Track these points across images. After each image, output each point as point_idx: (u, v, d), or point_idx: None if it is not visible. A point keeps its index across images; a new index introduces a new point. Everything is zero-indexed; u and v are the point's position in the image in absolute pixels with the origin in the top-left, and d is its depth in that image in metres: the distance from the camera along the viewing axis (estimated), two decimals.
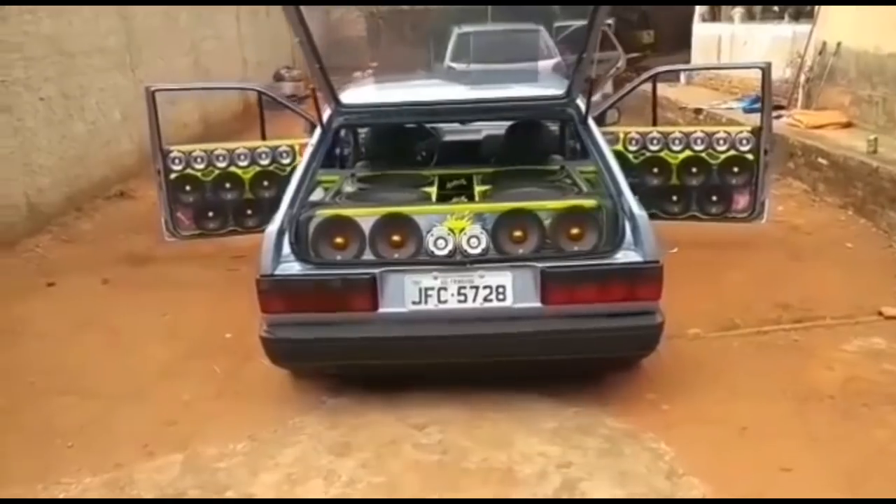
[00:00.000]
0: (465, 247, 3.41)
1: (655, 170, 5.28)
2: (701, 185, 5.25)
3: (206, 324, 4.71)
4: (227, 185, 5.44)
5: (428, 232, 3.44)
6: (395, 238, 3.47)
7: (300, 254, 3.44)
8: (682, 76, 13.07)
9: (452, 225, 3.44)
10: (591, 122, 4.01)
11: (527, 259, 3.40)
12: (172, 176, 5.41)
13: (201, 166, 5.42)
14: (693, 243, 5.65)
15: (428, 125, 4.91)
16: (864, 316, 4.46)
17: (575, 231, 3.46)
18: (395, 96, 4.35)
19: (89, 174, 7.84)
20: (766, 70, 5.06)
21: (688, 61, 12.94)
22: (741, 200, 5.26)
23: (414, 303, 3.41)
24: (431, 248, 3.42)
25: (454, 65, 11.20)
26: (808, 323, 4.42)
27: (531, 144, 4.81)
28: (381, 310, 3.42)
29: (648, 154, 5.27)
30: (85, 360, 4.35)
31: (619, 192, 3.55)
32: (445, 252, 3.41)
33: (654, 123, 5.47)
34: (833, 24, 8.72)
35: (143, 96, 5.29)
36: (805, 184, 7.45)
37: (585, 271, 3.36)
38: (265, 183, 5.36)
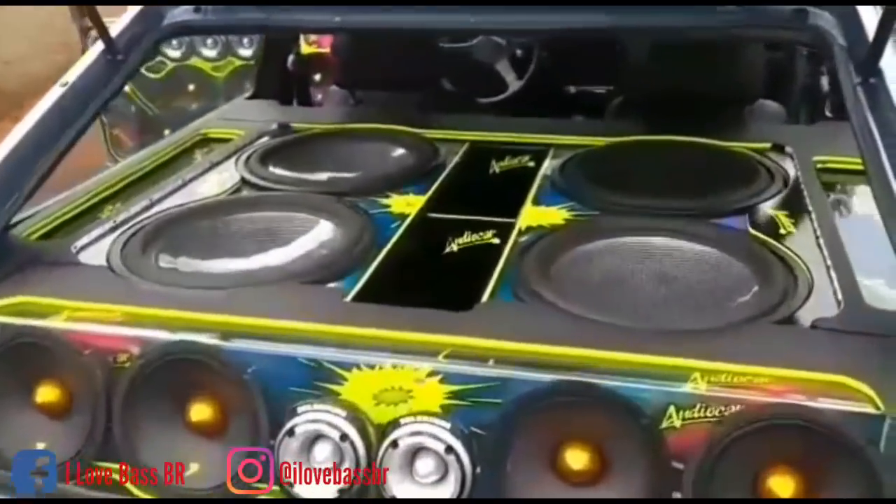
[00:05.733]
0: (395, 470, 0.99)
1: None
2: None
3: None
4: None
5: (291, 408, 1.01)
6: (194, 416, 1.05)
7: None
8: None
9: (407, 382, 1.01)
10: (889, 63, 1.24)
11: None
12: None
13: None
14: None
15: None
16: None
17: (781, 479, 0.98)
18: None
19: None
20: None
21: None
22: None
23: None
24: (294, 455, 1.00)
25: None
26: None
27: (707, 62, 2.03)
28: None
29: None
30: None
31: None
32: (332, 480, 0.99)
33: None
34: None
35: None
36: None
37: None
38: None
